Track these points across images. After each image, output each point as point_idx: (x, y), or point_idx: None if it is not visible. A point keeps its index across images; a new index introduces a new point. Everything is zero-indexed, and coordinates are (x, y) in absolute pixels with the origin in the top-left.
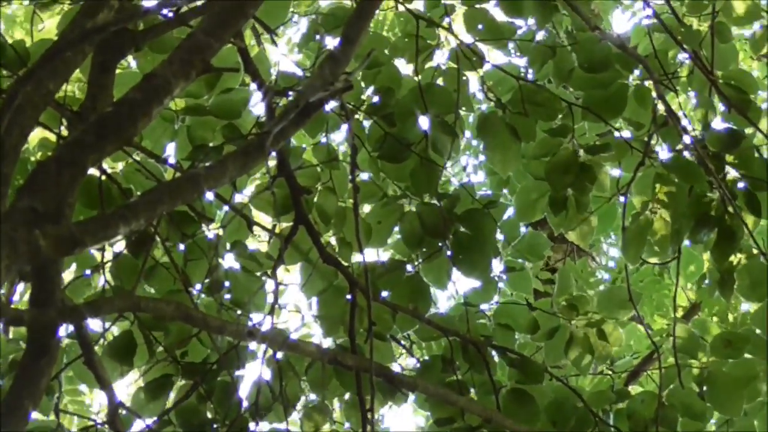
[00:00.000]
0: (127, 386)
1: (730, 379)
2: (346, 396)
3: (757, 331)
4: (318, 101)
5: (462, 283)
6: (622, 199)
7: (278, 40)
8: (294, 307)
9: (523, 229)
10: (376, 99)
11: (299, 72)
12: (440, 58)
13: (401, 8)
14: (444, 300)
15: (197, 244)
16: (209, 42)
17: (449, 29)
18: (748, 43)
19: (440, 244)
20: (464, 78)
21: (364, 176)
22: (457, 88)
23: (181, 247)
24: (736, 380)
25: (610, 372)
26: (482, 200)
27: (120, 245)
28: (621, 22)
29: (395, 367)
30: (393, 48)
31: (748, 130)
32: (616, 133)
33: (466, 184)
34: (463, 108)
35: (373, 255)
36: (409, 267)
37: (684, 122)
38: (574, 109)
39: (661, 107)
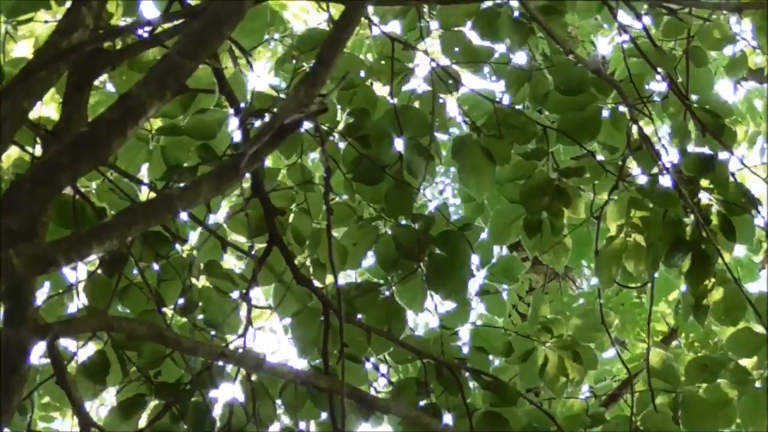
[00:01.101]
0: (100, 406)
1: (704, 404)
2: (321, 417)
3: (731, 355)
4: (293, 123)
5: (438, 305)
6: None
7: (254, 61)
8: (269, 329)
9: (498, 252)
10: (351, 121)
11: (275, 93)
12: (417, 80)
13: (377, 31)
14: (423, 323)
15: (171, 265)
16: (184, 63)
17: (425, 52)
18: (725, 67)
19: (415, 266)
20: (440, 101)
21: (339, 198)
22: (432, 111)
23: (156, 267)
24: (710, 405)
25: (589, 395)
26: (457, 223)
27: (94, 265)
28: (600, 46)
29: (372, 390)
30: (369, 70)
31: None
32: (592, 156)
33: (440, 206)
34: (439, 131)
35: (348, 277)
36: (384, 289)
37: (659, 146)
38: (549, 133)
39: (635, 131)
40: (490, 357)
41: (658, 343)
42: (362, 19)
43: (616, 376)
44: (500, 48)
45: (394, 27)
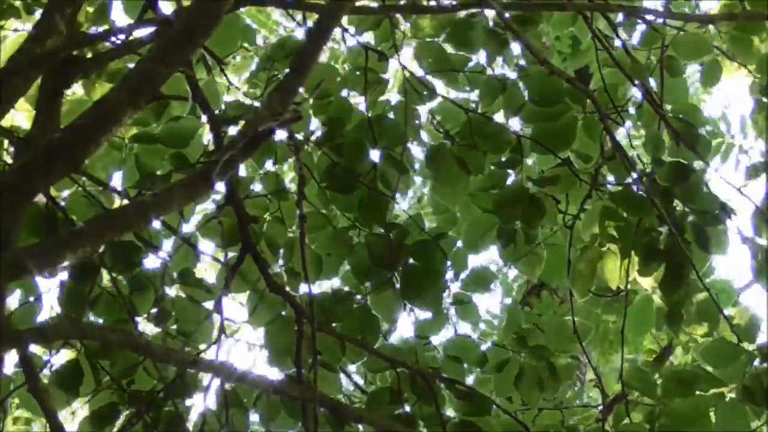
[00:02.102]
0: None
1: (681, 416)
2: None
3: (708, 367)
4: (266, 132)
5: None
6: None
7: (228, 69)
8: (243, 338)
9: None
10: (325, 130)
11: (248, 101)
12: (392, 90)
13: (352, 42)
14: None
15: (143, 273)
16: (158, 71)
17: (399, 62)
18: (699, 77)
19: (389, 275)
20: (415, 111)
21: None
22: (405, 121)
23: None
24: (687, 417)
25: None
26: (431, 231)
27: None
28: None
29: (347, 399)
30: (343, 80)
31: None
32: (566, 166)
33: (414, 215)
34: (414, 141)
35: (322, 287)
36: (358, 299)
37: (633, 156)
38: (523, 142)
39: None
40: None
41: (651, 362)
42: (337, 29)
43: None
44: (475, 58)
45: (369, 38)
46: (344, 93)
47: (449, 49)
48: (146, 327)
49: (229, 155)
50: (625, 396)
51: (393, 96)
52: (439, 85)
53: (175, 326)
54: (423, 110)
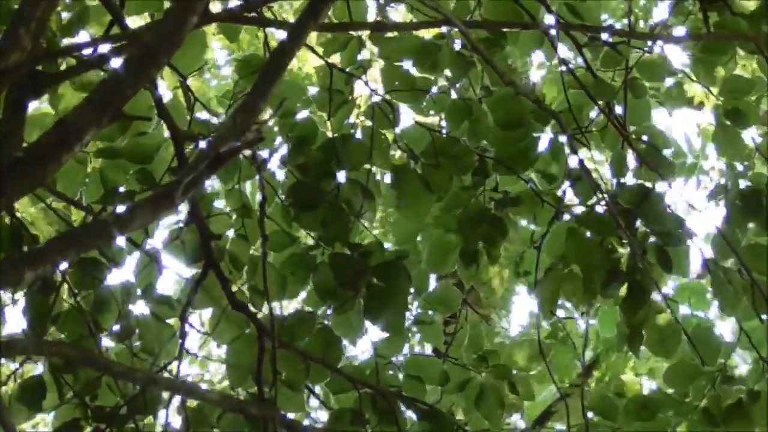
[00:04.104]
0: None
1: None
2: None
3: (669, 390)
4: (229, 152)
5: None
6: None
7: (192, 85)
8: (206, 355)
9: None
10: (290, 148)
11: (213, 118)
12: (358, 111)
13: (319, 61)
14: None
15: (107, 289)
16: (122, 89)
17: (366, 82)
18: (661, 98)
19: (352, 295)
20: (382, 136)
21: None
22: (372, 142)
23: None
24: None
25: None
26: (394, 252)
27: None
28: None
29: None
30: (308, 100)
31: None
32: (530, 186)
33: (377, 235)
34: (378, 162)
35: (288, 305)
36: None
37: (597, 177)
38: (487, 162)
39: (574, 162)
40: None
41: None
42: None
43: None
44: (441, 80)
45: (336, 59)
46: (310, 112)
47: (415, 72)
48: (111, 342)
49: (192, 175)
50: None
51: (358, 116)
52: (405, 107)
53: (138, 342)
54: (389, 131)
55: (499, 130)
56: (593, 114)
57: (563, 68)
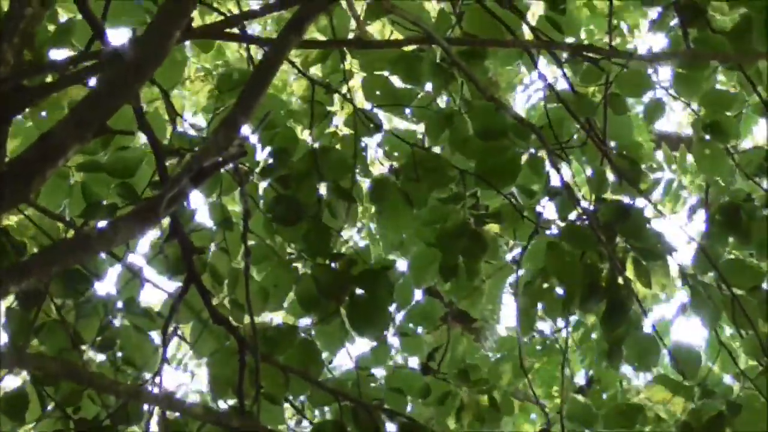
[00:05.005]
0: None
1: None
2: None
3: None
4: (211, 167)
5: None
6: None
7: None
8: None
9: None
10: (271, 161)
11: (194, 132)
12: (339, 122)
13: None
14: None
15: (89, 301)
16: (106, 104)
17: (345, 96)
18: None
19: (335, 306)
20: (362, 143)
21: (259, 239)
22: (354, 153)
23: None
24: None
25: None
26: (378, 263)
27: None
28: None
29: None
30: (290, 112)
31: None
32: (510, 202)
33: (363, 246)
34: (361, 174)
35: (270, 317)
36: (303, 330)
37: (577, 192)
38: (467, 177)
39: (554, 176)
40: None
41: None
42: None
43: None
44: (422, 92)
45: (317, 69)
46: (291, 124)
47: (397, 81)
48: (94, 353)
49: (174, 191)
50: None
51: (341, 126)
52: (387, 117)
53: (120, 353)
54: (371, 142)
55: (479, 141)
56: (573, 129)
57: (543, 83)
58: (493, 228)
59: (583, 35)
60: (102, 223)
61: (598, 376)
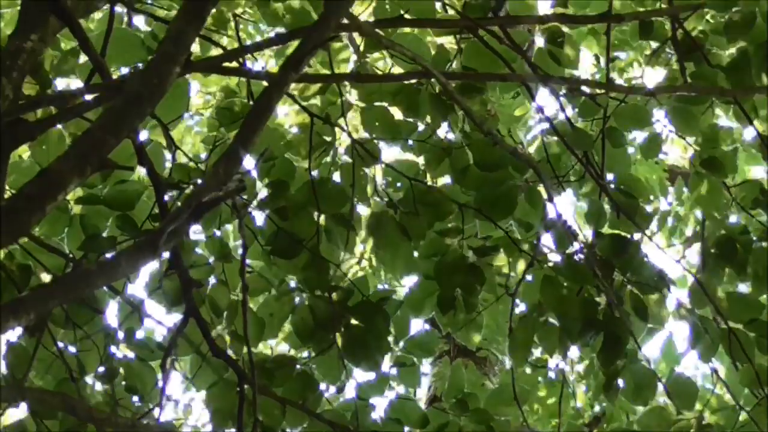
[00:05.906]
0: None
1: None
2: None
3: None
4: (211, 201)
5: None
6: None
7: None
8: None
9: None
10: (269, 193)
11: (194, 165)
12: (337, 154)
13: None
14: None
15: (89, 335)
16: (106, 139)
17: (343, 128)
18: (640, 148)
19: (332, 337)
20: (361, 173)
21: (256, 271)
22: (352, 184)
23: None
24: None
25: None
26: (375, 295)
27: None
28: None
29: None
30: (288, 144)
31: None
32: (507, 235)
33: (358, 279)
34: (359, 203)
35: (269, 348)
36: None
37: (574, 226)
38: (466, 210)
39: (551, 210)
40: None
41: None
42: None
43: None
44: (423, 123)
45: (315, 100)
46: (289, 156)
47: (396, 113)
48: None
49: (174, 225)
50: None
51: (338, 158)
52: (385, 146)
53: (124, 383)
54: (370, 173)
55: (478, 171)
56: (572, 162)
57: (541, 117)
58: (491, 260)
59: (586, 68)
60: (102, 257)
61: (609, 410)
